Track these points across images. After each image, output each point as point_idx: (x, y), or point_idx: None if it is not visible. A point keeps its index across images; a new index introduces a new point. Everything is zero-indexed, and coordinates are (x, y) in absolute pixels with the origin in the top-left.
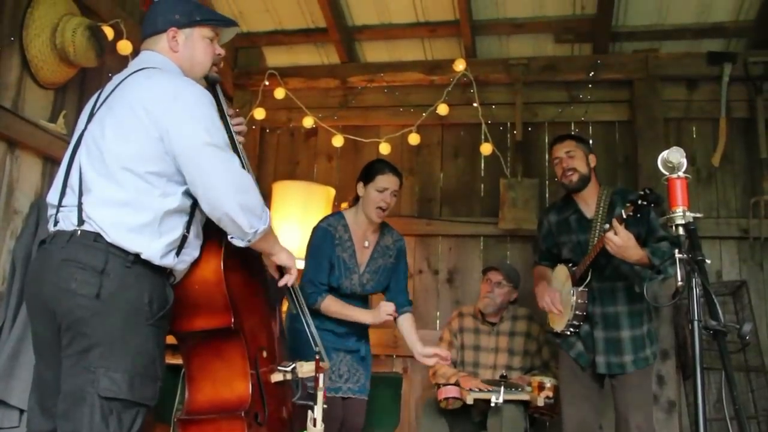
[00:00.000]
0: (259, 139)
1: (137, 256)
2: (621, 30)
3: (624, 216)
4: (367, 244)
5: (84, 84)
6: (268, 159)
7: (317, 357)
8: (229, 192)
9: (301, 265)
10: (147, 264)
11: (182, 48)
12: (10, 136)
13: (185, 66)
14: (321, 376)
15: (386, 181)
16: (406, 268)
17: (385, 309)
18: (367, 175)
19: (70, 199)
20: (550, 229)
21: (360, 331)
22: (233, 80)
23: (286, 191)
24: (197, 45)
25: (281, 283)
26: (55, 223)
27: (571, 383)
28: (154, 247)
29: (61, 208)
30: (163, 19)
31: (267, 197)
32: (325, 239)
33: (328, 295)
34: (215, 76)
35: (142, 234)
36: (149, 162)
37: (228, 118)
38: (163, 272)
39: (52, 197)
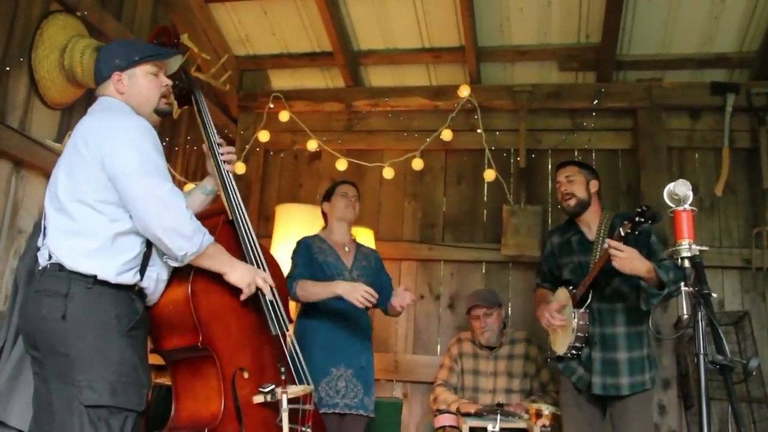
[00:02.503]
0: (262, 162)
1: (95, 277)
2: (625, 59)
3: (622, 234)
4: (347, 249)
5: (90, 105)
6: (272, 181)
7: (283, 378)
8: (154, 215)
9: None
10: (106, 283)
11: (128, 88)
12: (16, 155)
13: (133, 103)
14: (284, 397)
15: (345, 188)
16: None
17: (361, 290)
18: (329, 193)
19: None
20: (552, 251)
21: (360, 341)
22: (238, 102)
23: (290, 214)
24: (141, 82)
25: (241, 297)
26: (40, 262)
27: (571, 409)
28: (109, 267)
29: (41, 249)
30: (106, 66)
31: (270, 219)
32: (303, 246)
33: (301, 279)
34: (166, 108)
35: (95, 258)
36: (96, 191)
37: (215, 145)
38: (127, 289)
39: (39, 241)
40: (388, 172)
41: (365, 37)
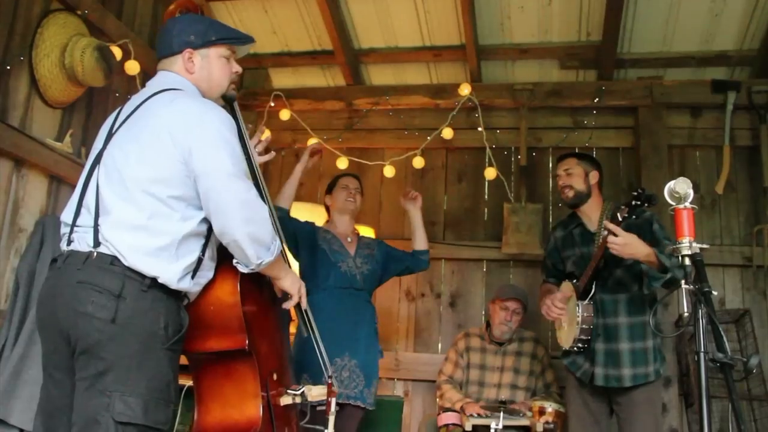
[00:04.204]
0: None
1: (153, 280)
2: (626, 57)
3: (620, 218)
4: (350, 239)
5: (91, 103)
6: (273, 180)
7: (329, 382)
8: (240, 221)
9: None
10: (162, 288)
11: (198, 69)
12: (16, 154)
13: (203, 86)
14: (333, 401)
15: (346, 180)
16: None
17: (307, 150)
18: (331, 185)
19: (85, 219)
20: (555, 245)
21: (365, 332)
22: (239, 100)
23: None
24: (214, 65)
25: (284, 306)
26: (69, 242)
27: (577, 406)
28: (171, 271)
29: (75, 228)
30: (178, 40)
31: None
32: (308, 226)
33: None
34: (232, 94)
35: (158, 258)
36: (171, 186)
37: (246, 137)
38: (178, 295)
39: (66, 216)
40: (389, 171)
41: (366, 36)
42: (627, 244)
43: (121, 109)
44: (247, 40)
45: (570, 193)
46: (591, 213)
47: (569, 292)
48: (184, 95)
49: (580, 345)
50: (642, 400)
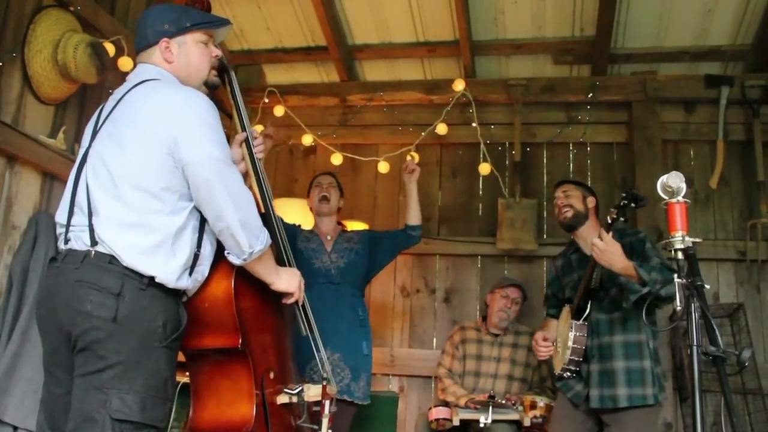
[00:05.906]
0: None
1: (151, 278)
2: (619, 52)
3: (609, 221)
4: (329, 237)
5: (84, 100)
6: (267, 176)
7: (324, 384)
8: (231, 207)
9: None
10: (161, 286)
11: (177, 57)
12: (10, 151)
13: (182, 75)
14: (327, 403)
15: (320, 178)
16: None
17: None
18: (309, 186)
19: (79, 218)
20: (556, 273)
21: (350, 325)
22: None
23: (285, 208)
24: (192, 51)
25: (284, 301)
26: (66, 241)
27: (565, 424)
28: (168, 269)
29: (71, 228)
30: (153, 31)
31: None
32: (291, 228)
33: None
34: (215, 81)
35: (155, 256)
36: (160, 177)
37: (249, 132)
38: (176, 293)
39: (60, 216)
40: (383, 167)
41: (360, 32)
42: (607, 251)
43: (103, 106)
44: (223, 22)
45: (569, 213)
46: (588, 237)
47: (566, 317)
48: (163, 84)
49: (571, 369)
50: (635, 423)
